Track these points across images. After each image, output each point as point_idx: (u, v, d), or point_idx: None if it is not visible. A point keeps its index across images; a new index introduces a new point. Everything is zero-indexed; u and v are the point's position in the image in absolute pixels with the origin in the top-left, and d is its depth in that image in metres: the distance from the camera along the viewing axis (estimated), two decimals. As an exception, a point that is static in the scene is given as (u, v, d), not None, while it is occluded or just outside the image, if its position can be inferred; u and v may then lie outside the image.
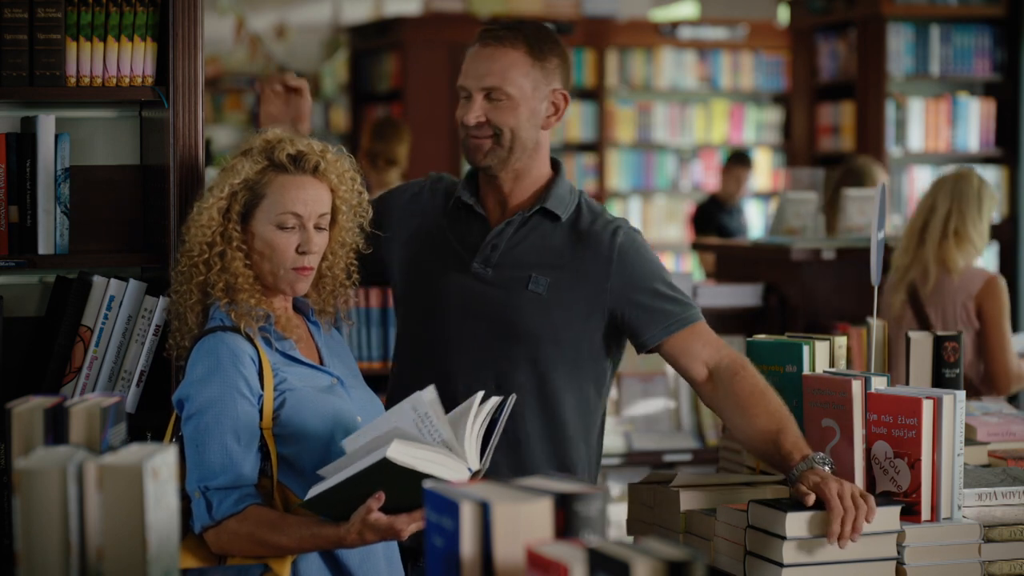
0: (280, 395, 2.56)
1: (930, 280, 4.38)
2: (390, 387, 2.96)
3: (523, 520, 1.70)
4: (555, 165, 2.93)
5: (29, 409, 2.00)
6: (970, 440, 3.01)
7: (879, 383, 2.64)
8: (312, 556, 2.57)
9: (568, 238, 2.83)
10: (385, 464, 2.29)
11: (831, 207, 6.62)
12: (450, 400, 2.74)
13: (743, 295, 4.88)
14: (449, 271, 2.85)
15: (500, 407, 2.48)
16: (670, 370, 4.74)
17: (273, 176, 2.61)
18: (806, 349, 2.78)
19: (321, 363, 2.69)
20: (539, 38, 2.85)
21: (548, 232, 2.84)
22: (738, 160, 8.27)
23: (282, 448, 2.56)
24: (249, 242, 2.62)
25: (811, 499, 2.47)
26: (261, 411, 2.54)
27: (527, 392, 2.79)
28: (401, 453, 2.29)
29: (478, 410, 2.43)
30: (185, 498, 2.51)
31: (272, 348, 2.60)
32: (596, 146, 9.01)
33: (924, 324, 4.32)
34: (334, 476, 2.38)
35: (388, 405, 2.91)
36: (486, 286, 2.82)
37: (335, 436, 2.58)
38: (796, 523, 2.46)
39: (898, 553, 2.52)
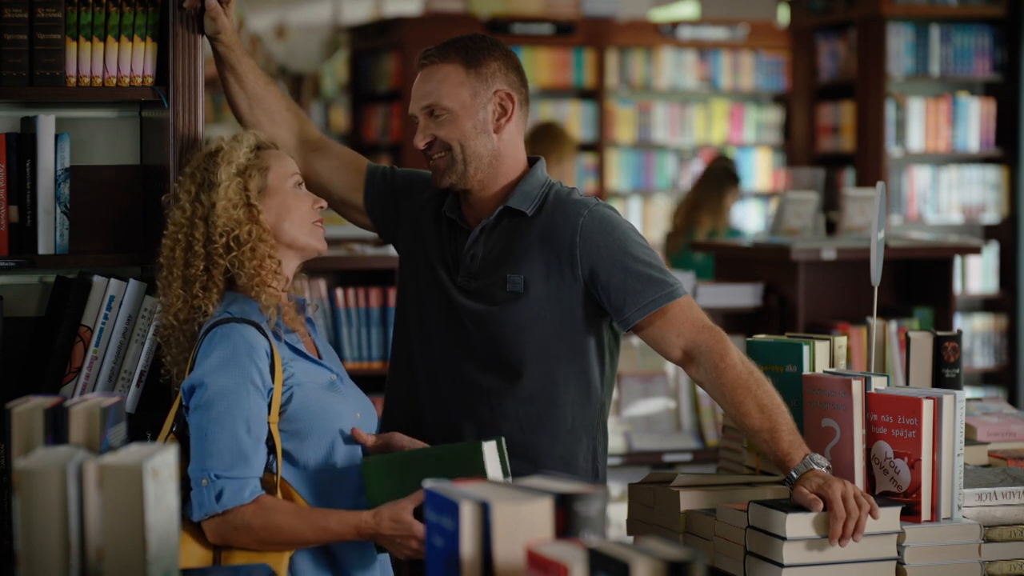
0: (288, 390, 2.57)
1: None
2: (387, 387, 2.96)
3: (523, 520, 1.70)
4: (532, 162, 2.90)
5: (29, 409, 2.00)
6: (970, 440, 3.01)
7: (879, 383, 2.64)
8: (307, 556, 2.57)
9: (535, 231, 2.81)
10: (473, 450, 2.44)
11: (695, 208, 6.84)
12: (444, 416, 2.78)
13: (743, 295, 4.87)
14: (439, 287, 2.85)
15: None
16: (670, 370, 4.74)
17: (263, 152, 2.72)
18: (806, 349, 2.78)
19: (320, 358, 2.70)
20: (472, 47, 2.83)
21: (516, 230, 2.82)
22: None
23: (285, 443, 2.57)
24: (269, 218, 2.66)
25: (819, 506, 2.47)
26: (269, 405, 2.54)
27: (523, 394, 2.79)
28: (490, 455, 2.46)
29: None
30: (184, 485, 2.51)
31: (281, 341, 2.62)
32: (596, 146, 9.00)
33: None
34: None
35: (386, 406, 2.92)
36: (471, 298, 2.82)
37: (339, 433, 2.60)
38: (796, 524, 2.46)
39: (898, 553, 2.52)
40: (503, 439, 2.53)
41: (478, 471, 2.44)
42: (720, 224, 6.80)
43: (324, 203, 2.76)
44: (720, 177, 6.96)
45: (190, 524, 2.51)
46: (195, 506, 2.50)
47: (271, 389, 2.55)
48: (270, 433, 2.54)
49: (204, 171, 2.67)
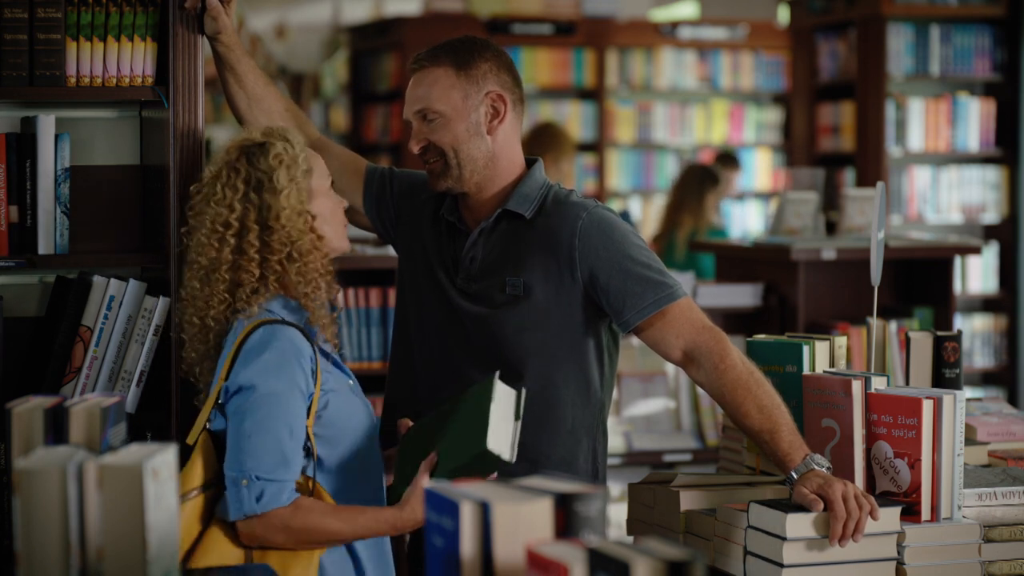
0: (324, 395, 2.57)
1: None
2: (387, 387, 2.96)
3: (523, 520, 1.70)
4: (530, 164, 2.89)
5: (29, 409, 2.00)
6: (970, 440, 3.01)
7: (879, 383, 2.64)
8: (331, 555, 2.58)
9: (534, 234, 2.81)
10: (483, 390, 2.45)
11: (677, 208, 6.87)
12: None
13: (743, 295, 4.87)
14: (439, 288, 2.85)
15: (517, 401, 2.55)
16: (670, 370, 4.74)
17: (307, 152, 2.68)
18: (806, 349, 2.78)
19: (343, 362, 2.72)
20: (462, 49, 2.82)
21: (515, 233, 2.82)
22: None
23: (318, 447, 2.56)
24: (318, 224, 2.63)
25: (819, 506, 2.47)
26: (308, 409, 2.54)
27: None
28: (500, 391, 2.46)
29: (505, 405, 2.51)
30: (219, 483, 2.50)
31: (318, 347, 2.60)
32: (596, 146, 9.00)
33: None
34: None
35: (385, 406, 2.92)
36: (471, 301, 2.82)
37: (367, 438, 2.62)
38: (797, 524, 2.46)
39: (898, 553, 2.52)
40: (524, 390, 2.52)
41: (483, 411, 2.42)
42: (701, 224, 6.81)
43: (347, 203, 2.75)
44: (700, 178, 6.97)
45: (222, 523, 2.49)
46: (232, 506, 2.46)
47: (312, 394, 2.54)
48: (307, 436, 2.54)
49: (253, 168, 2.57)
